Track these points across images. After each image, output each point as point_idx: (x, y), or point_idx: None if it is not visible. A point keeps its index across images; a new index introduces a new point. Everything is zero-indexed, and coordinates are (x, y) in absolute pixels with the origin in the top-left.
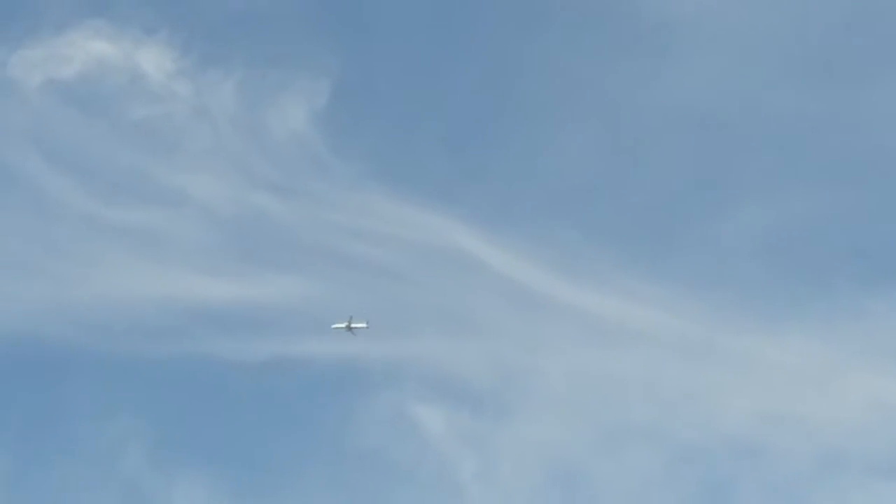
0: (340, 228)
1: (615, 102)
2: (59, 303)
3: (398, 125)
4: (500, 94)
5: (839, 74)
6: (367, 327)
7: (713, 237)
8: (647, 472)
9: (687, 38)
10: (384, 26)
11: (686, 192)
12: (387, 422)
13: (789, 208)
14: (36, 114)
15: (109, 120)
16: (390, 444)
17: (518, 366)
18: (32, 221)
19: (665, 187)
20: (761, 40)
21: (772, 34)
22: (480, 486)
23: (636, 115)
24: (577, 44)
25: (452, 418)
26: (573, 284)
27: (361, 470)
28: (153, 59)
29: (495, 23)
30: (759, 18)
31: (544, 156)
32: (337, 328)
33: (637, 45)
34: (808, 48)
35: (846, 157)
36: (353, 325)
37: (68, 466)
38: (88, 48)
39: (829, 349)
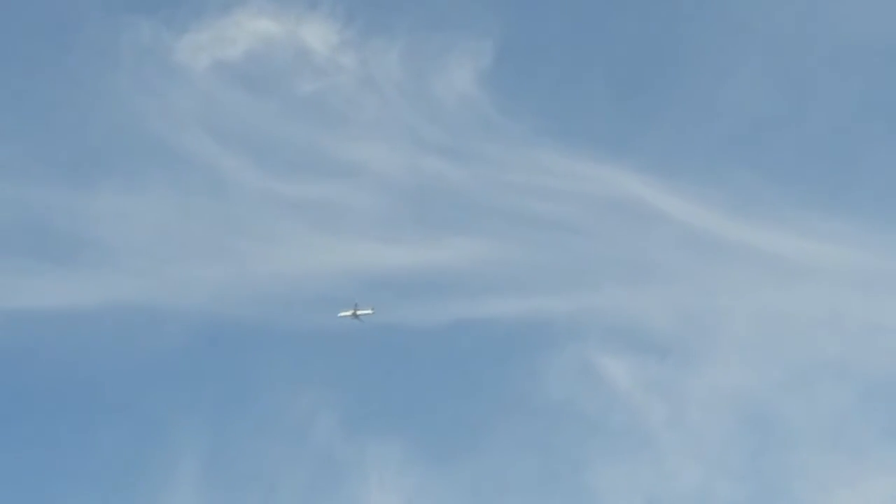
0: (514, 187)
1: (781, 38)
2: (244, 280)
3: (565, 79)
4: (664, 40)
5: None
6: (373, 313)
7: (890, 167)
8: (839, 408)
9: None
10: None
11: (859, 123)
12: (573, 375)
13: None
14: (206, 97)
15: (278, 97)
16: (578, 397)
17: (701, 311)
18: (211, 203)
19: (838, 120)
20: None
21: None
22: (671, 434)
23: (804, 50)
24: None
25: (638, 367)
26: (751, 225)
27: (550, 425)
28: (317, 34)
29: None
30: None
31: (714, 98)
32: (343, 315)
33: None
34: None
35: None
36: (358, 312)
37: (263, 440)
38: (253, 27)
39: None
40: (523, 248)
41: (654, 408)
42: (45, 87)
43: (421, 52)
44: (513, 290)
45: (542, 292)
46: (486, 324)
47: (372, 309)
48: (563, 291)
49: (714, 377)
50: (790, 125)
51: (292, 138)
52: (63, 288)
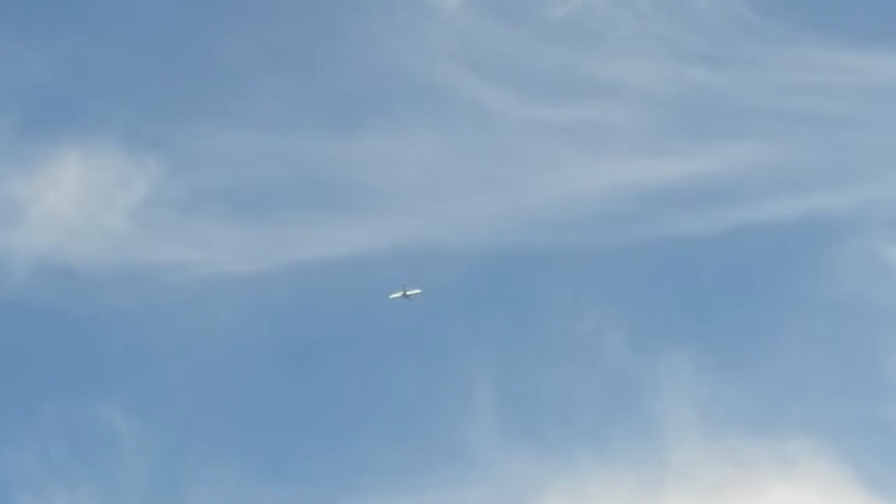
0: (780, 87)
1: None
2: (516, 209)
3: None
4: None
5: None
6: (421, 293)
7: None
8: None
9: None
10: None
11: None
12: (859, 269)
13: None
14: (459, 31)
15: (531, 24)
16: (866, 290)
17: None
18: (475, 135)
19: None
20: None
21: None
22: None
23: None
24: None
25: None
26: None
27: (840, 321)
28: None
29: None
30: None
31: None
32: (394, 297)
33: None
34: None
35: None
36: (408, 293)
37: (552, 363)
38: None
39: None
40: (795, 147)
41: None
42: (301, 40)
43: None
44: (788, 190)
45: (819, 189)
46: (764, 227)
47: (420, 289)
48: (842, 186)
49: None
50: None
51: (550, 63)
52: (341, 235)
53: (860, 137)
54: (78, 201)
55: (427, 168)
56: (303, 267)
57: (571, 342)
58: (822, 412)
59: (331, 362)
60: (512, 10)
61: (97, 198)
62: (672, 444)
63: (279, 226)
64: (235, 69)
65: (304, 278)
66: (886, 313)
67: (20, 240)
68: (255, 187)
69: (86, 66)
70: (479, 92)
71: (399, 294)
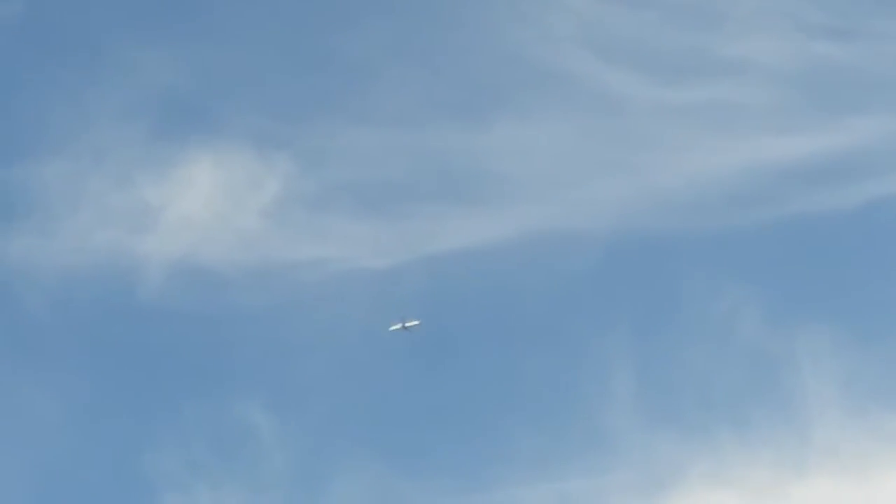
0: None
1: None
2: (647, 192)
3: None
4: None
5: None
6: (419, 324)
7: None
8: None
9: None
10: None
11: None
12: None
13: None
14: (581, 17)
15: (655, 6)
16: None
17: None
18: (606, 120)
19: None
20: None
21: None
22: None
23: None
24: None
25: None
26: None
27: None
28: None
29: None
30: None
31: None
32: (394, 329)
33: None
34: None
35: None
36: (406, 325)
37: (689, 344)
38: None
39: None
40: None
41: None
42: (424, 32)
43: None
44: None
45: None
46: None
47: (418, 321)
48: None
49: None
50: None
51: (674, 44)
52: (473, 226)
53: None
54: (210, 203)
55: (556, 155)
56: (436, 259)
57: (708, 323)
58: None
59: (467, 353)
60: None
61: (229, 199)
62: (814, 422)
63: (411, 219)
64: (359, 64)
65: (438, 271)
66: None
67: (154, 244)
68: (385, 182)
69: (212, 69)
70: (605, 76)
71: (398, 326)
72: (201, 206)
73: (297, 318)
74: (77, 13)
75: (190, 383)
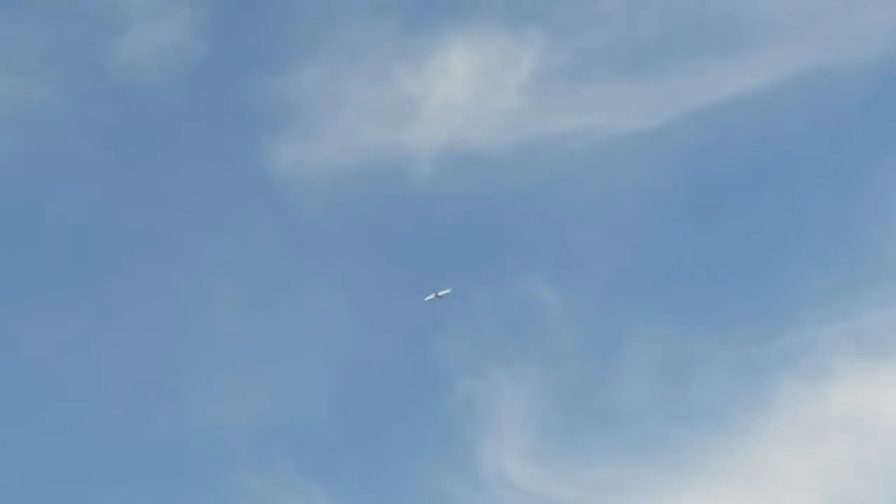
0: None
1: None
2: None
3: None
4: None
5: None
6: (451, 291)
7: None
8: None
9: None
10: None
11: None
12: None
13: None
14: None
15: None
16: None
17: None
18: None
19: None
20: None
21: None
22: None
23: None
24: None
25: None
26: None
27: None
28: None
29: None
30: None
31: None
32: (429, 299)
33: None
34: None
35: None
36: (440, 293)
37: None
38: None
39: None
40: None
41: None
42: None
43: None
44: None
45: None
46: None
47: (450, 289)
48: None
49: None
50: None
51: None
52: (735, 75)
53: None
54: (469, 87)
55: None
56: (702, 113)
57: None
58: None
59: (743, 202)
60: None
61: (487, 80)
62: None
63: (671, 76)
64: None
65: (706, 124)
66: None
67: (420, 134)
68: (641, 42)
69: None
70: None
71: (432, 296)
72: (460, 90)
73: (568, 189)
74: None
75: (472, 267)
